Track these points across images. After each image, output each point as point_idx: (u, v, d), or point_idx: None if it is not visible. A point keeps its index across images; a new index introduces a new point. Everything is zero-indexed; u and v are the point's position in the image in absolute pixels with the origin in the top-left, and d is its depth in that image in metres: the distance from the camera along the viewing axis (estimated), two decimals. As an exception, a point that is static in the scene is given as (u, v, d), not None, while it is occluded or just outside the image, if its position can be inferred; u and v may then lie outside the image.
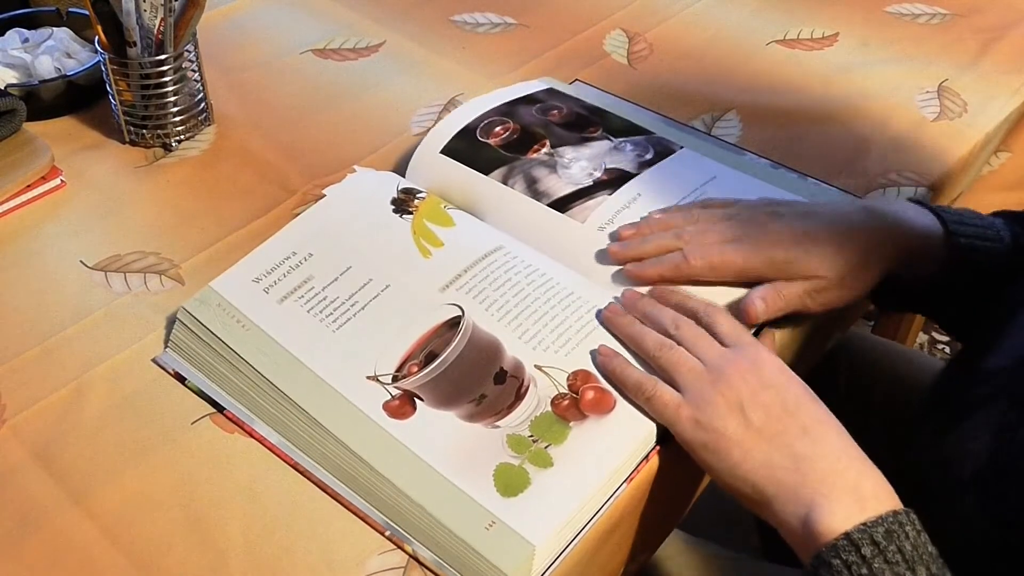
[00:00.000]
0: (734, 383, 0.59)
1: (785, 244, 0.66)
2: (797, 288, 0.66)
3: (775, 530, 0.57)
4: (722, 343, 0.62)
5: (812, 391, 0.60)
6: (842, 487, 0.55)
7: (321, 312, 0.66)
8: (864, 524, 0.52)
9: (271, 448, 0.62)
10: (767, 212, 0.69)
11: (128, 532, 0.58)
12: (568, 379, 0.63)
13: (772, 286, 0.67)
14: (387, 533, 0.57)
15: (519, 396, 0.62)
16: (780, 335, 0.69)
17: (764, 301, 0.66)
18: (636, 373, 0.62)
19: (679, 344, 0.62)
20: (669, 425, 0.60)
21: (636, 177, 0.76)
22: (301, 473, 0.60)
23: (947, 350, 1.72)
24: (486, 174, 0.76)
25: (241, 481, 0.60)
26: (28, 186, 0.79)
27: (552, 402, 0.62)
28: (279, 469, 0.61)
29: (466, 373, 0.63)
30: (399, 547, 0.57)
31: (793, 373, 0.61)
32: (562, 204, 0.74)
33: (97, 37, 0.82)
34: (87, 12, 0.81)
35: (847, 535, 0.52)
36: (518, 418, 0.61)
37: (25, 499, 0.59)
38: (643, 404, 0.61)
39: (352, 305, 0.67)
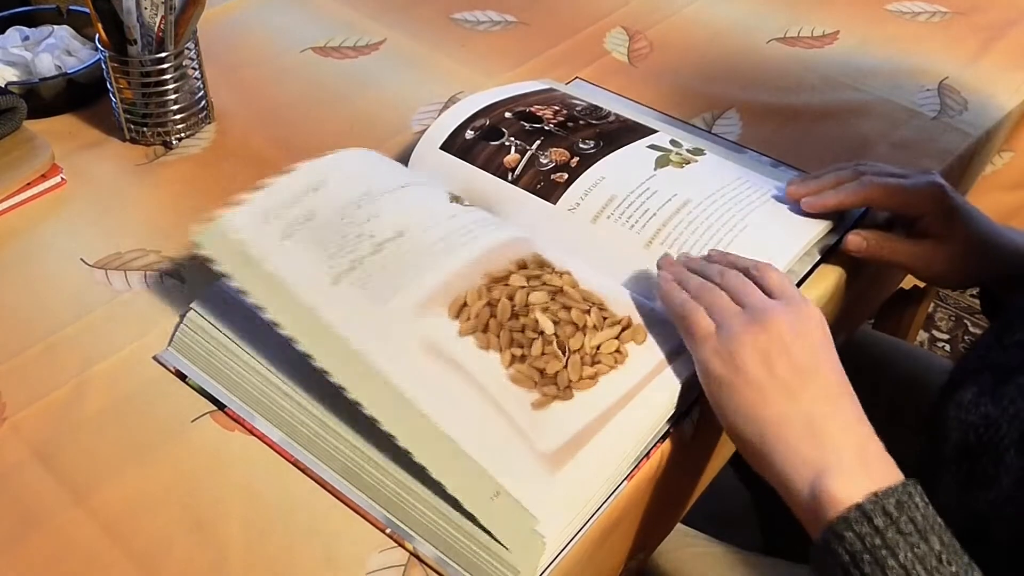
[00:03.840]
0: (770, 328, 0.57)
1: (942, 200, 0.71)
2: (916, 249, 0.72)
3: (775, 526, 0.57)
4: (769, 295, 0.61)
5: (838, 357, 0.59)
6: (851, 455, 0.54)
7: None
8: (876, 495, 0.51)
9: (271, 445, 0.62)
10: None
11: (128, 530, 0.58)
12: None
13: (887, 235, 0.72)
14: (388, 530, 0.57)
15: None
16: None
17: (866, 241, 0.71)
18: (683, 294, 0.61)
19: (723, 291, 0.61)
20: (693, 352, 0.59)
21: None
22: (301, 470, 0.60)
23: (947, 348, 1.72)
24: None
25: (241, 479, 0.60)
26: (28, 184, 0.79)
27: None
28: (279, 467, 0.61)
29: None
30: (400, 544, 0.57)
31: (831, 336, 0.60)
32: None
33: (97, 35, 0.82)
34: (87, 10, 0.81)
35: (859, 506, 0.51)
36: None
37: (25, 497, 0.59)
38: (676, 325, 0.61)
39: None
